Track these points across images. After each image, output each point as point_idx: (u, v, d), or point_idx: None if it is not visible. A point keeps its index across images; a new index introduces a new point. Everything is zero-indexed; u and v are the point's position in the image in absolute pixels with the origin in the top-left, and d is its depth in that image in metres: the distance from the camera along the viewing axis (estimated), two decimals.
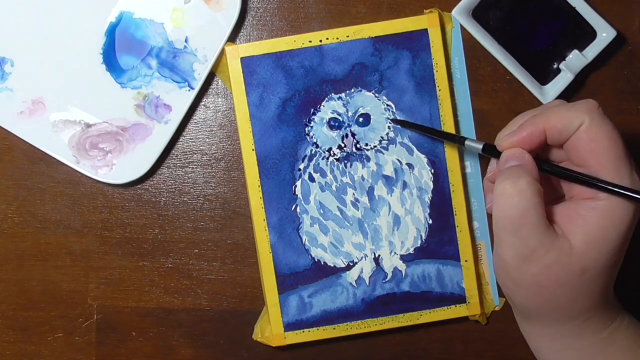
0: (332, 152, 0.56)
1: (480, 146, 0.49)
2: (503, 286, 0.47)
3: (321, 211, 0.56)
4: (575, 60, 0.55)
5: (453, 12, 0.55)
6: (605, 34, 0.55)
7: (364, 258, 0.56)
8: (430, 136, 0.56)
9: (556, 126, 0.45)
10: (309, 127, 0.56)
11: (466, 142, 0.50)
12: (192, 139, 0.58)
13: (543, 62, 0.56)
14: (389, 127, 0.56)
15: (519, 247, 0.44)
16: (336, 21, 0.57)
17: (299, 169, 0.56)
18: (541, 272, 0.44)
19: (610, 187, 0.43)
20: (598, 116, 0.44)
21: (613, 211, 0.43)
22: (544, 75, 0.56)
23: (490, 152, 0.48)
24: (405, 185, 0.56)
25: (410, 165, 0.56)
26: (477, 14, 0.55)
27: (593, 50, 0.55)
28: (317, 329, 0.56)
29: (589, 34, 0.55)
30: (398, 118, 0.56)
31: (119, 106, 0.56)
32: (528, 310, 0.47)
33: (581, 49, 0.55)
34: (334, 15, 0.57)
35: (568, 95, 0.57)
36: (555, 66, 0.56)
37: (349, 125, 0.56)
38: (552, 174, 0.46)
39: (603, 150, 0.43)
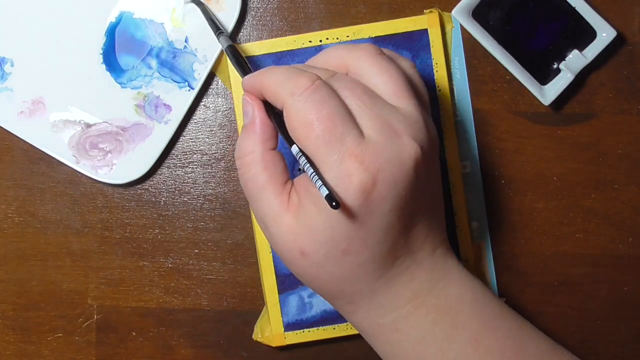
0: None
1: (225, 45, 0.48)
2: None
3: None
4: (575, 60, 0.55)
5: (453, 12, 0.55)
6: (605, 34, 0.55)
7: None
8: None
9: (267, 93, 0.42)
10: None
11: (220, 38, 0.48)
12: (192, 139, 0.58)
13: (543, 62, 0.56)
14: None
15: (256, 214, 0.43)
16: (336, 21, 0.57)
17: (299, 169, 0.56)
18: (271, 242, 0.42)
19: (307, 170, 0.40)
20: (295, 102, 0.39)
21: (321, 199, 0.39)
22: (544, 75, 0.56)
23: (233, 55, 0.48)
24: None
25: None
26: (477, 14, 0.55)
27: (593, 50, 0.55)
28: (317, 329, 0.56)
29: (589, 34, 0.55)
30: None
31: (119, 106, 0.56)
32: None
33: (581, 49, 0.56)
34: (334, 15, 0.57)
35: (568, 95, 0.57)
36: (555, 66, 0.56)
37: None
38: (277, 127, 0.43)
39: (301, 140, 0.40)
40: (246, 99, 0.44)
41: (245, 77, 0.45)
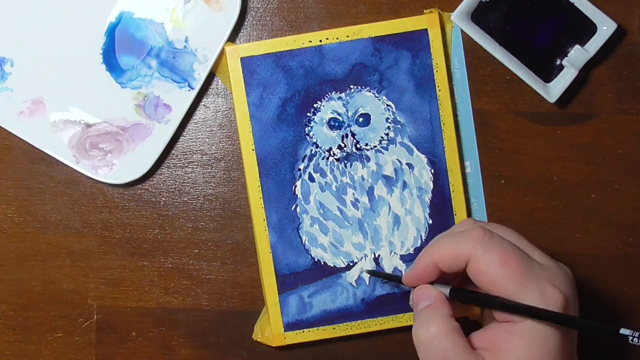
0: (332, 152, 0.56)
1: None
2: None
3: (321, 211, 0.56)
4: (577, 56, 0.55)
5: (452, 17, 0.55)
6: (605, 27, 0.55)
7: (363, 258, 0.56)
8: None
9: (444, 260, 0.45)
10: (309, 127, 0.56)
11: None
12: (192, 139, 0.58)
13: (545, 60, 0.56)
14: (388, 127, 0.56)
15: None
16: (336, 21, 0.57)
17: (299, 169, 0.56)
18: None
19: (517, 310, 0.43)
20: (482, 249, 0.44)
21: (533, 331, 0.43)
22: (547, 73, 0.56)
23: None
24: (405, 185, 0.56)
25: (410, 165, 0.56)
26: (476, 17, 0.55)
27: (595, 44, 0.55)
28: (317, 329, 0.56)
29: (589, 29, 0.55)
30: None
31: (119, 106, 0.56)
32: None
33: (582, 44, 0.55)
34: (334, 15, 0.57)
35: (571, 93, 0.57)
36: (558, 63, 0.56)
37: (349, 125, 0.56)
38: (464, 302, 0.47)
39: (499, 279, 0.43)
40: (421, 288, 0.47)
41: (408, 271, 0.48)
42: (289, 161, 0.56)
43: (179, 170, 0.58)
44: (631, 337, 0.40)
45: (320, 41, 0.55)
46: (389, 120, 0.56)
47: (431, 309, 0.46)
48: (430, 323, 0.45)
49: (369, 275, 0.56)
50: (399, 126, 0.56)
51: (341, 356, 0.58)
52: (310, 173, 0.56)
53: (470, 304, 0.47)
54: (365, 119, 0.56)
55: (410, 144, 0.56)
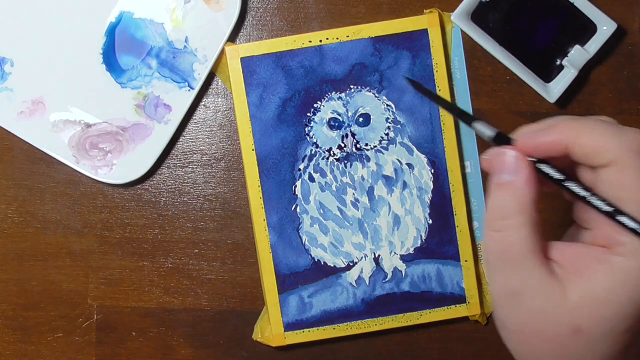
0: (332, 152, 0.56)
1: (492, 134, 0.38)
2: (496, 322, 0.39)
3: (321, 211, 0.56)
4: (577, 56, 0.55)
5: (452, 17, 0.55)
6: (605, 27, 0.55)
7: (363, 258, 0.56)
8: (442, 106, 0.50)
9: (583, 149, 0.36)
10: (309, 127, 0.56)
11: (475, 125, 0.38)
12: (192, 139, 0.58)
13: (545, 60, 0.56)
14: (388, 127, 0.56)
15: (503, 285, 0.37)
16: (336, 21, 0.57)
17: (299, 169, 0.56)
18: (524, 318, 0.36)
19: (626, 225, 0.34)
20: (637, 160, 0.35)
21: (627, 271, 0.34)
22: (547, 73, 0.56)
23: (501, 143, 0.38)
24: (405, 185, 0.56)
25: (410, 165, 0.56)
26: (476, 17, 0.55)
27: (595, 44, 0.55)
28: (317, 329, 0.56)
29: (589, 29, 0.55)
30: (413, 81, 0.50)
31: (119, 106, 0.56)
32: (517, 357, 0.39)
33: (582, 44, 0.55)
34: (334, 15, 0.57)
35: (571, 93, 0.57)
36: (558, 63, 0.56)
37: (349, 125, 0.56)
38: (554, 182, 0.38)
39: (632, 202, 0.35)
40: (512, 153, 0.37)
41: (528, 130, 0.38)
42: (289, 161, 0.56)
43: (179, 170, 0.58)
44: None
45: (320, 41, 0.55)
46: (389, 120, 0.56)
47: (512, 191, 0.36)
48: (506, 207, 0.36)
49: (369, 274, 0.56)
50: (399, 126, 0.56)
51: (341, 356, 0.58)
52: (310, 173, 0.56)
53: (577, 198, 0.37)
54: (365, 119, 0.56)
55: (410, 144, 0.56)
